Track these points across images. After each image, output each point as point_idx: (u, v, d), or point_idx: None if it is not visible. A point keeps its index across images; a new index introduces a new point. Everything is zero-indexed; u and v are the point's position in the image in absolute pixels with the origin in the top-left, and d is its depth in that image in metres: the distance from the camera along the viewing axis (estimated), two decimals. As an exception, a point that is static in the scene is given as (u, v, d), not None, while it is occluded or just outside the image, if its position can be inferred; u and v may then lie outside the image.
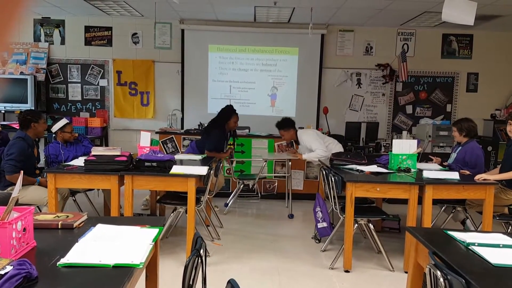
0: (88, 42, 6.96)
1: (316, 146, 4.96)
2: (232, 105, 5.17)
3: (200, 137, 5.25)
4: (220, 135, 4.97)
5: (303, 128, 5.57)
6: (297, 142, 5.37)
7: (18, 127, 4.21)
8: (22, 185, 3.80)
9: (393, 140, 4.35)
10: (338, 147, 5.18)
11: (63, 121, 4.58)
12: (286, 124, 5.24)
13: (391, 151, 4.33)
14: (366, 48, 7.00)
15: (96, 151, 3.77)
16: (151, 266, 2.14)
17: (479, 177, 3.70)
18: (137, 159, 3.81)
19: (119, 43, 6.95)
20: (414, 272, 2.35)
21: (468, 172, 4.07)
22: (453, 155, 4.55)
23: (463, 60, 7.03)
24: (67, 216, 2.16)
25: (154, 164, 3.74)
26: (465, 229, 4.18)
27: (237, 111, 5.12)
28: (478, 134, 6.83)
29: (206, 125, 5.36)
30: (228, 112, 5.03)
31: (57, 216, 2.17)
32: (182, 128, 6.80)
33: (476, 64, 7.03)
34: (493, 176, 3.81)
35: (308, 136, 5.11)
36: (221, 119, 5.02)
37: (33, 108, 6.37)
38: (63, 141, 4.57)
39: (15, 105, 6.41)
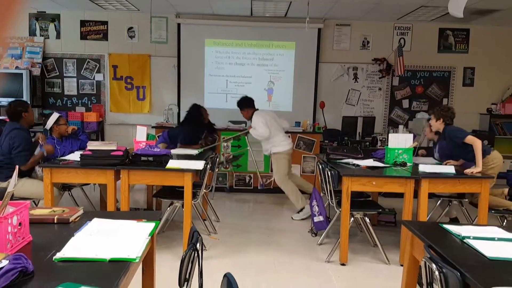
0: (83, 36, 6.91)
1: (258, 127, 5.06)
2: (195, 103, 5.43)
3: (173, 128, 5.50)
4: (193, 130, 5.23)
5: (258, 109, 5.36)
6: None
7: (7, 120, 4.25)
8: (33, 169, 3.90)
9: (389, 135, 4.35)
10: (284, 143, 5.15)
11: (56, 115, 4.54)
12: (242, 104, 5.29)
13: (387, 145, 4.33)
14: (362, 43, 6.99)
15: (92, 145, 3.77)
16: (148, 260, 2.15)
17: (468, 171, 3.70)
18: (133, 153, 3.81)
19: (115, 38, 6.91)
20: (410, 265, 2.37)
21: (453, 162, 4.12)
22: (436, 155, 4.55)
23: (459, 54, 7.03)
24: (63, 211, 2.15)
25: (151, 158, 3.74)
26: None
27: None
28: (474, 128, 6.90)
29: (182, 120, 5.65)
30: (197, 110, 5.31)
31: (53, 210, 2.16)
32: (179, 122, 6.79)
33: (472, 58, 7.04)
34: (477, 168, 3.77)
35: (257, 117, 5.14)
36: (193, 117, 5.28)
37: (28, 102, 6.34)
38: (59, 136, 4.54)
39: (11, 100, 6.35)
